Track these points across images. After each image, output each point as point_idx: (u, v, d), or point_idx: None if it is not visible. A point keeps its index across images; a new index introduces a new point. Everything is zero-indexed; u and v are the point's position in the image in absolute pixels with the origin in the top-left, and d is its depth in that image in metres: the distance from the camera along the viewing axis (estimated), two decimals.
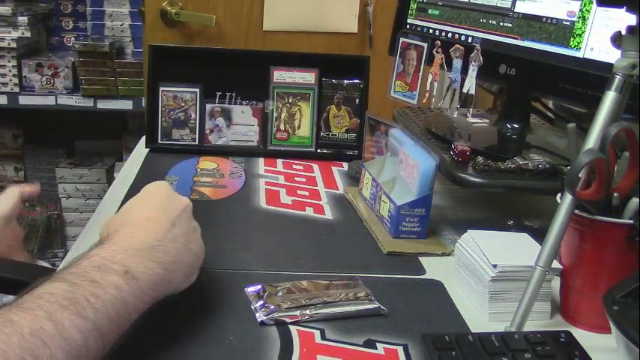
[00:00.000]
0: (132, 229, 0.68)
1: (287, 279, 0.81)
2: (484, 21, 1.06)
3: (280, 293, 0.77)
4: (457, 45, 1.06)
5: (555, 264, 0.74)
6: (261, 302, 0.75)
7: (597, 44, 0.89)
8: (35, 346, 0.50)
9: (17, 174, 2.78)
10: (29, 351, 0.50)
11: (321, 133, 1.34)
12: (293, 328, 0.72)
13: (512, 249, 0.80)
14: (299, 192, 1.15)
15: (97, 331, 0.56)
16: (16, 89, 2.44)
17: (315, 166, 1.29)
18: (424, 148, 0.95)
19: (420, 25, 1.19)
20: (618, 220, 0.72)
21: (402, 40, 1.16)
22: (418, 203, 0.94)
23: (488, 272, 0.76)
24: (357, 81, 1.33)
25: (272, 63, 1.32)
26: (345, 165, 1.29)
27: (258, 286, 0.78)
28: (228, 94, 1.33)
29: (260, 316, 0.73)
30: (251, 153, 1.33)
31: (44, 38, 2.71)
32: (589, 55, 0.90)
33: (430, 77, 1.09)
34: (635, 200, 0.72)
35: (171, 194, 0.76)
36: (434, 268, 0.89)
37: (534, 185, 0.93)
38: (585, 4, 0.91)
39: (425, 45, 1.10)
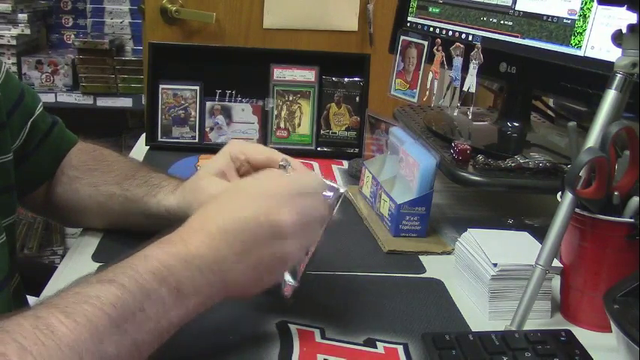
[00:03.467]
0: (206, 236, 0.62)
1: None
2: (485, 19, 1.06)
3: None
4: (457, 43, 1.06)
5: (556, 263, 0.74)
6: None
7: (598, 43, 0.89)
8: None
9: None
10: None
11: (322, 131, 1.34)
12: (293, 327, 0.72)
13: (512, 248, 0.80)
14: None
15: (134, 346, 0.54)
16: None
17: (315, 164, 1.29)
18: (424, 147, 0.95)
19: (420, 23, 1.19)
20: (619, 218, 0.72)
21: (402, 38, 1.15)
22: (418, 202, 0.94)
23: (488, 271, 0.76)
24: (357, 79, 1.33)
25: (272, 61, 1.32)
26: (346, 163, 1.29)
27: None
28: (228, 91, 1.33)
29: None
30: None
31: (44, 35, 2.71)
32: (590, 54, 0.90)
33: (430, 75, 1.09)
34: (635, 199, 0.72)
35: (269, 208, 0.64)
36: (434, 266, 0.89)
37: (535, 184, 0.93)
38: (586, 3, 0.90)
39: (425, 43, 1.10)
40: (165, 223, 0.66)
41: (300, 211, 0.66)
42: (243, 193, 0.68)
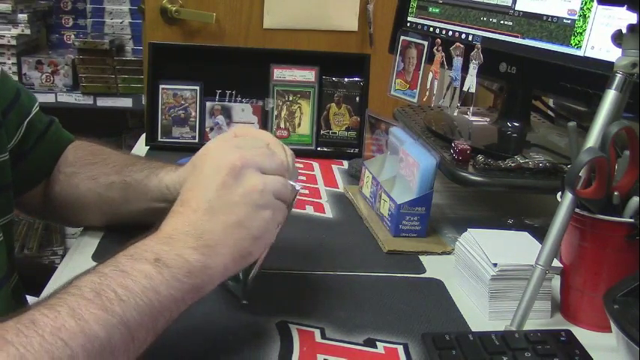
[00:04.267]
0: (174, 216, 0.65)
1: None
2: (485, 19, 1.06)
3: None
4: (457, 43, 1.05)
5: (556, 263, 0.74)
6: None
7: (598, 43, 0.89)
8: (55, 347, 0.50)
9: None
10: (49, 353, 0.49)
11: (322, 131, 1.34)
12: (293, 327, 0.72)
13: (512, 248, 0.80)
14: None
15: (124, 325, 0.54)
16: None
17: (316, 165, 1.29)
18: (424, 147, 0.95)
19: (420, 23, 1.19)
20: (619, 218, 0.72)
21: (402, 38, 1.15)
22: (418, 202, 0.94)
23: (488, 271, 0.76)
24: (357, 79, 1.33)
25: (272, 61, 1.32)
26: (346, 163, 1.29)
27: None
28: (228, 92, 1.33)
29: None
30: None
31: (44, 36, 2.70)
32: (590, 54, 0.90)
33: (430, 75, 1.09)
34: (635, 199, 0.72)
35: (217, 159, 0.67)
36: (434, 266, 0.89)
37: (535, 184, 0.93)
38: (586, 3, 0.90)
39: (425, 43, 1.10)
40: (166, 206, 0.68)
41: (241, 147, 0.68)
42: (198, 162, 0.71)
